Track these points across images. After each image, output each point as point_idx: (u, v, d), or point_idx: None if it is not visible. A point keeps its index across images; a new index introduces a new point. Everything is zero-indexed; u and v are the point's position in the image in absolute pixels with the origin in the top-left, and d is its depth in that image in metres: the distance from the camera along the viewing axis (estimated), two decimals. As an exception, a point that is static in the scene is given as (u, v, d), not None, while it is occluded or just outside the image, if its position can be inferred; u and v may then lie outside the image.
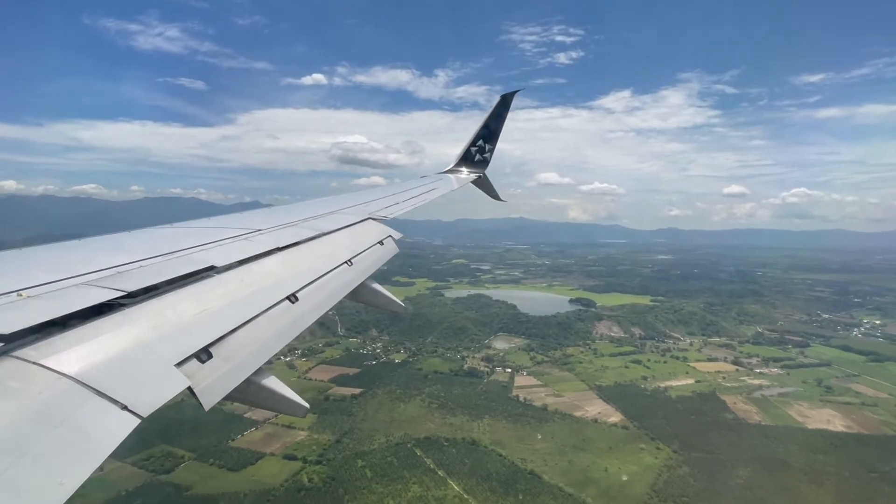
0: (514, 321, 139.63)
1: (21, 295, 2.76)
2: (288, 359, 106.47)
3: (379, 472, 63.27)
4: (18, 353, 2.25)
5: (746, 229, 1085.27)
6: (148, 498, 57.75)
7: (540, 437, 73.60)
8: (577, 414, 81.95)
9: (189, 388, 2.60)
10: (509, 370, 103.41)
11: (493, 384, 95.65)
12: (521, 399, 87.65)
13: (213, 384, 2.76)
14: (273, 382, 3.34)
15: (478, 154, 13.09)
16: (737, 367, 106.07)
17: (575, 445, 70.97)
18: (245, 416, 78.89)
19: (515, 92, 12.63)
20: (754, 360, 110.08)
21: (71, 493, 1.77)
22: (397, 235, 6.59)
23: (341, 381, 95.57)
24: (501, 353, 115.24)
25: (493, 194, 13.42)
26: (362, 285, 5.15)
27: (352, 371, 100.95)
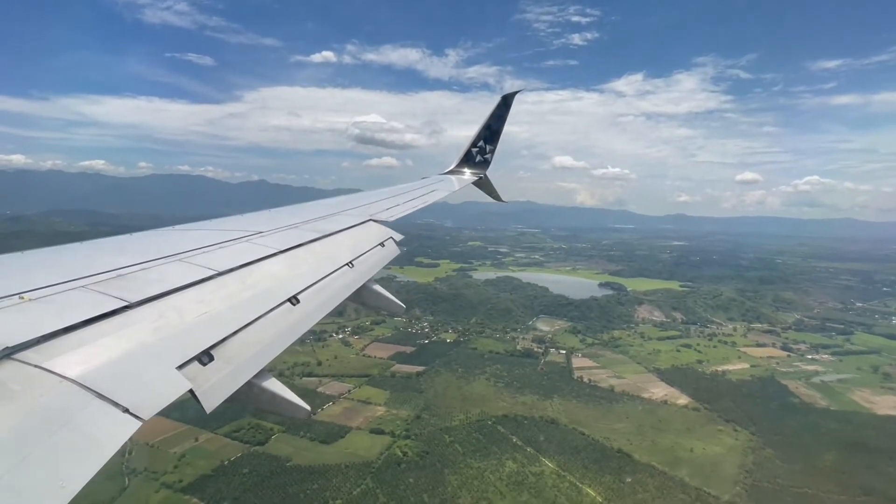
0: (553, 304, 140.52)
1: (23, 298, 2.72)
2: (340, 336, 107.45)
3: (469, 447, 64.21)
4: (19, 355, 2.23)
5: (755, 217, 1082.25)
6: (251, 468, 58.50)
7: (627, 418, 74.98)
8: (645, 396, 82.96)
9: (191, 391, 2.59)
10: (563, 351, 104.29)
11: (552, 365, 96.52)
12: (585, 380, 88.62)
13: (215, 386, 2.76)
14: (274, 385, 3.33)
15: (479, 155, 13.00)
16: (787, 353, 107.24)
17: (653, 426, 71.98)
18: (317, 390, 79.94)
19: (516, 93, 12.59)
20: (803, 347, 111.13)
21: (73, 496, 1.75)
22: (398, 237, 6.62)
23: (400, 358, 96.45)
24: (549, 335, 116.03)
25: (494, 195, 13.39)
26: (363, 287, 5.15)
27: (408, 349, 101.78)
